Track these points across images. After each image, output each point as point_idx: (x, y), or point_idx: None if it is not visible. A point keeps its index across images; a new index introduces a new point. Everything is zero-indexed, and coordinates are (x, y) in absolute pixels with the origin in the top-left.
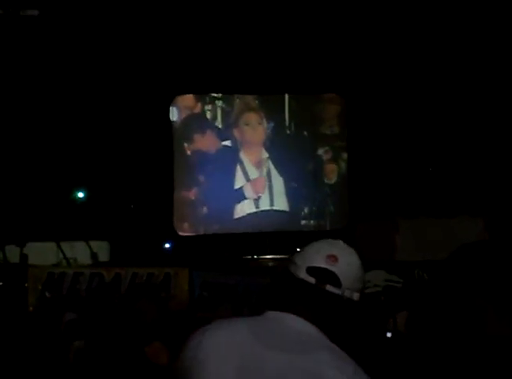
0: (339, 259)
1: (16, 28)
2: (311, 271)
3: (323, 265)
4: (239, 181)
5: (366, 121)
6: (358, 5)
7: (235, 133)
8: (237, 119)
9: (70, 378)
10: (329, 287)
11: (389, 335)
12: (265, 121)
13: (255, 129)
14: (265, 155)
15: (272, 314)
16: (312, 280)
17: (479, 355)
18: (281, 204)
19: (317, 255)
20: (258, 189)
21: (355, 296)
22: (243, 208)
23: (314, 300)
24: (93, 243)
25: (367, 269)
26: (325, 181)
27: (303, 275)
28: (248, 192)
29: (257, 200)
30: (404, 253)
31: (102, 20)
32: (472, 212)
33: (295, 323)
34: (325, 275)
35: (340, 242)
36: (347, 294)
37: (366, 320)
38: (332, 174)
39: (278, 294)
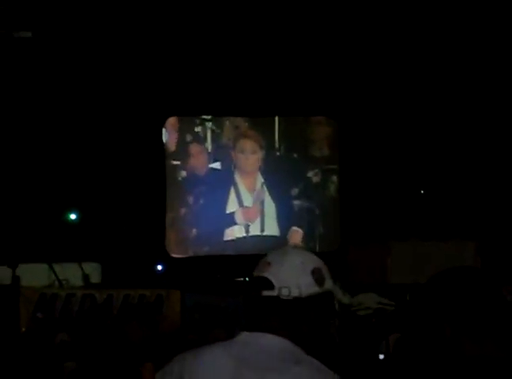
0: (272, 263)
1: (10, 49)
2: (251, 283)
3: (256, 274)
4: (232, 205)
5: (357, 143)
6: (347, 28)
7: (232, 155)
8: (233, 144)
9: None
10: (264, 293)
11: (381, 357)
12: (260, 148)
13: (249, 157)
14: (261, 180)
15: (246, 336)
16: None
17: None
18: (272, 228)
19: (257, 266)
20: (251, 218)
21: (300, 292)
22: (233, 233)
23: (263, 311)
24: (85, 265)
25: (358, 292)
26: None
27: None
28: (239, 218)
29: (247, 226)
30: (396, 276)
31: (95, 42)
32: (464, 236)
33: (267, 341)
34: (259, 283)
35: (286, 247)
36: (284, 292)
37: (330, 315)
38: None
39: (249, 313)
